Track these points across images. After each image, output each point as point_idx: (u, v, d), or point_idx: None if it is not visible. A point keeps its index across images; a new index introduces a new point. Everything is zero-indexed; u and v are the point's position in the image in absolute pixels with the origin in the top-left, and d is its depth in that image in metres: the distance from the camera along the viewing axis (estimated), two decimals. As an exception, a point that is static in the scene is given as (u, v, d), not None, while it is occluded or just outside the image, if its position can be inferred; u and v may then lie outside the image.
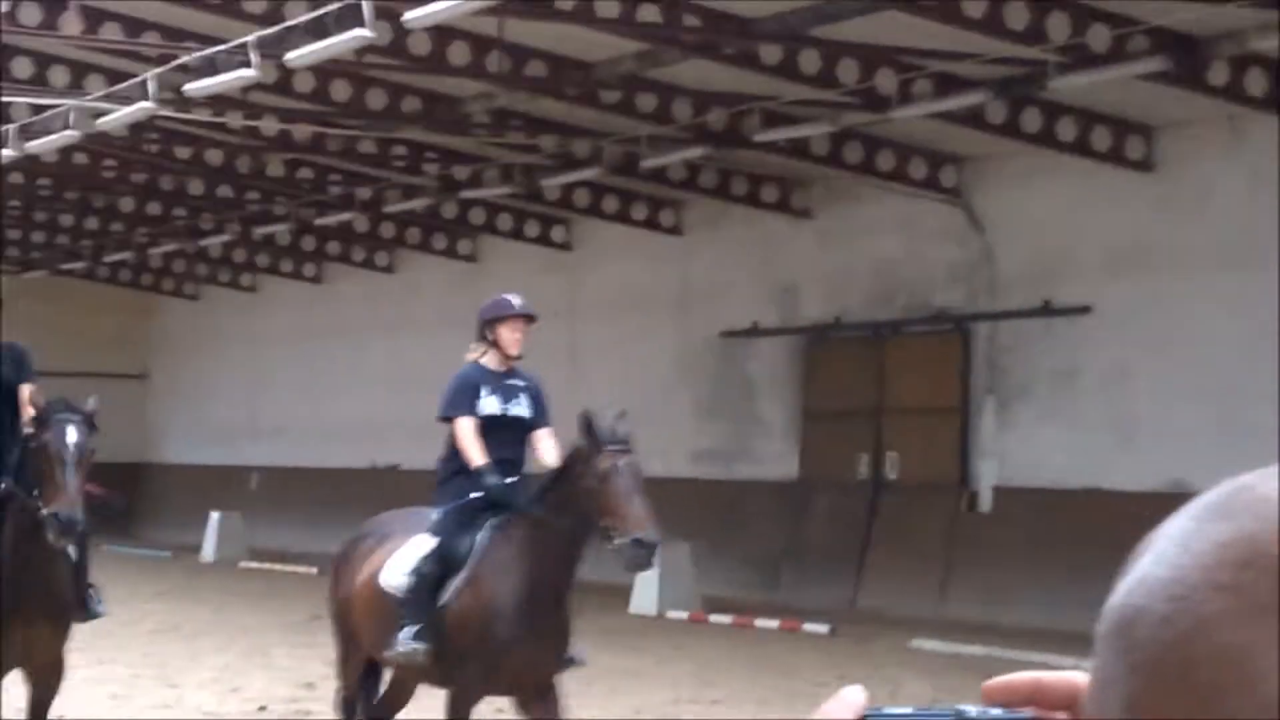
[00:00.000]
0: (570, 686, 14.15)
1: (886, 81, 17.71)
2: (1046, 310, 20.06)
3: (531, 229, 26.77)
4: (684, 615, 20.61)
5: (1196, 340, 18.26)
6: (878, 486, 22.18)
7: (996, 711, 0.94)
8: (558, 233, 26.81)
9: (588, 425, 9.22)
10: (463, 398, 9.60)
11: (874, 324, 22.27)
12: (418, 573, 9.32)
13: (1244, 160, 17.99)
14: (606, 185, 24.09)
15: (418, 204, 25.41)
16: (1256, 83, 16.49)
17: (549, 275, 26.76)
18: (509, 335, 9.69)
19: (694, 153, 20.67)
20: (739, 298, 23.82)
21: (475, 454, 9.39)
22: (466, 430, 9.50)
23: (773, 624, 19.54)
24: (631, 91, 19.53)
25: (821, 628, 19.14)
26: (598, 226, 25.59)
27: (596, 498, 9.00)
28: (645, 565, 9.32)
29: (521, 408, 9.69)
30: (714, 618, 20.26)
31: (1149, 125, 18.84)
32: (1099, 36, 15.78)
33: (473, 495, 9.39)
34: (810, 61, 17.58)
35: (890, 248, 21.79)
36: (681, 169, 22.35)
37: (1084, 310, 19.63)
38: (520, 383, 9.75)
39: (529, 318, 9.86)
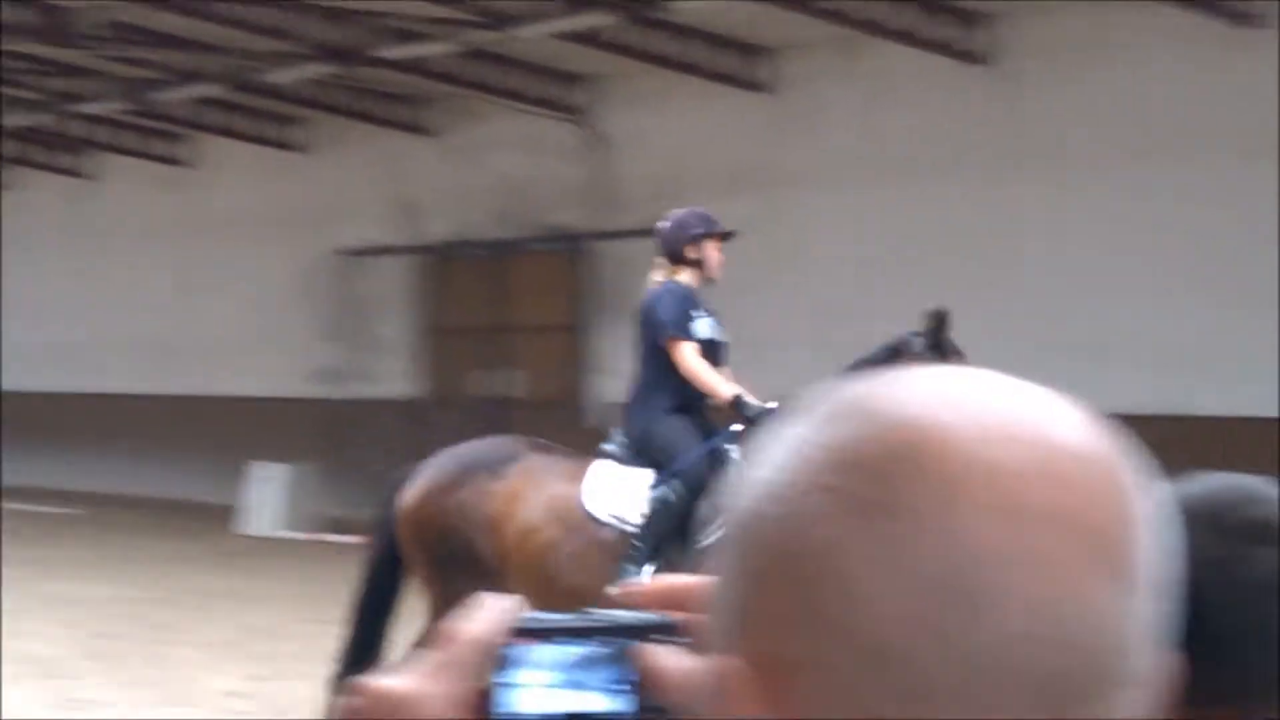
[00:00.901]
0: (182, 609, 14.11)
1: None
2: (666, 229, 20.46)
3: (151, 145, 26.08)
4: (300, 536, 20.53)
5: (814, 258, 18.89)
6: (501, 403, 22.40)
7: (631, 614, 0.98)
8: (178, 149, 26.20)
9: (939, 327, 8.89)
10: (685, 318, 8.90)
11: (497, 242, 22.43)
12: (663, 501, 8.54)
13: (858, 82, 18.65)
14: (229, 101, 23.64)
15: (32, 119, 24.57)
16: (869, 6, 17.08)
17: (169, 193, 26.20)
18: (716, 254, 9.13)
19: (318, 69, 20.45)
20: (362, 216, 23.71)
21: (718, 381, 8.80)
22: (694, 354, 8.83)
23: (393, 542, 19.57)
24: (253, 6, 19.20)
25: (442, 545, 19.22)
26: (219, 143, 25.12)
27: None
28: None
29: (721, 333, 9.28)
30: (333, 537, 20.23)
31: (767, 46, 19.35)
32: (721, -41, 16.14)
33: (731, 428, 8.66)
34: (435, -23, 17.56)
35: (514, 166, 21.95)
36: (306, 86, 22.10)
37: (702, 228, 20.09)
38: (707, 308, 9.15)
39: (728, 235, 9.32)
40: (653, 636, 0.95)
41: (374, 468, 23.08)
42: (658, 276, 9.08)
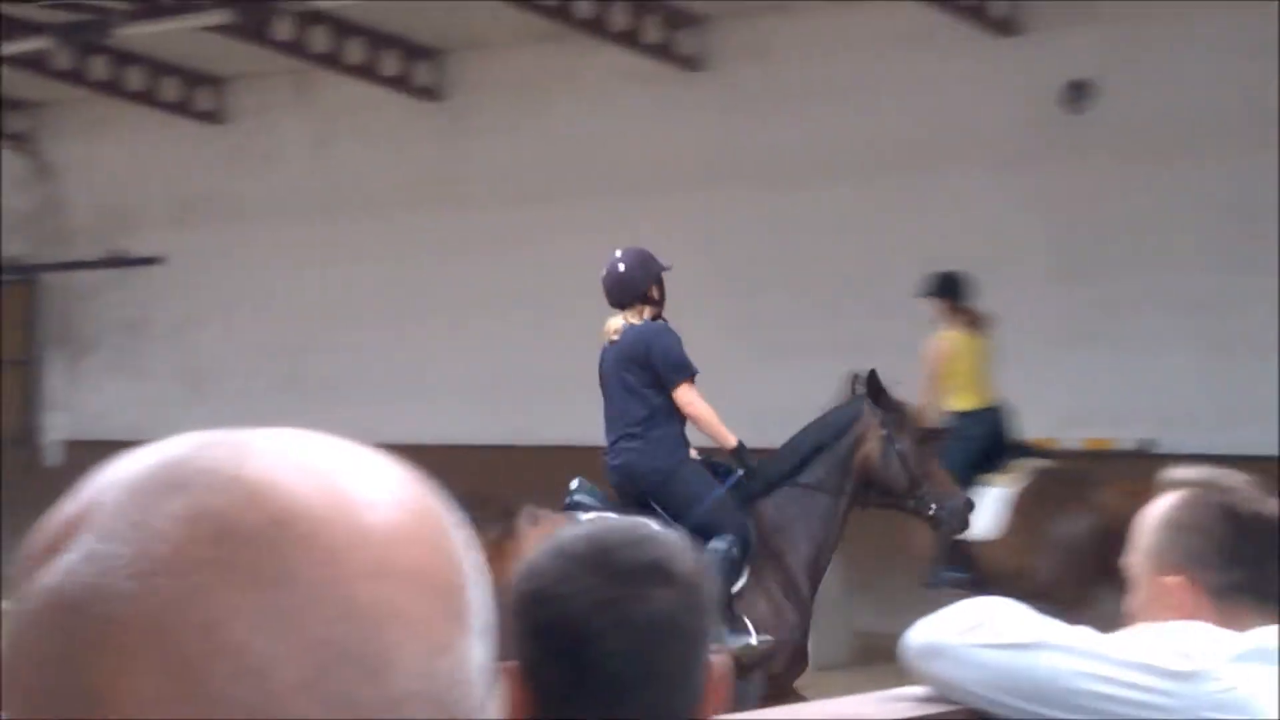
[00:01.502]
0: None
1: (-57, 21, 16.93)
2: (118, 261, 19.82)
3: None
4: None
5: (267, 292, 18.55)
6: (-58, 443, 21.25)
7: None
8: None
9: (877, 387, 8.98)
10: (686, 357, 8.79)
11: (-60, 274, 21.30)
12: (726, 557, 8.32)
13: (310, 115, 18.43)
14: None
15: None
16: (320, 39, 16.88)
17: None
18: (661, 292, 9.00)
19: None
20: None
21: (723, 428, 8.80)
22: (699, 398, 8.77)
23: None
24: None
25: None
26: None
27: (905, 464, 8.74)
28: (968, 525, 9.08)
29: None
30: None
31: (218, 76, 18.93)
32: (166, -14, 15.71)
33: (733, 476, 8.70)
34: None
35: (-47, 195, 20.89)
36: None
37: (155, 261, 19.54)
38: None
39: None
40: None
41: None
42: (628, 319, 8.75)
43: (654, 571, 1.84)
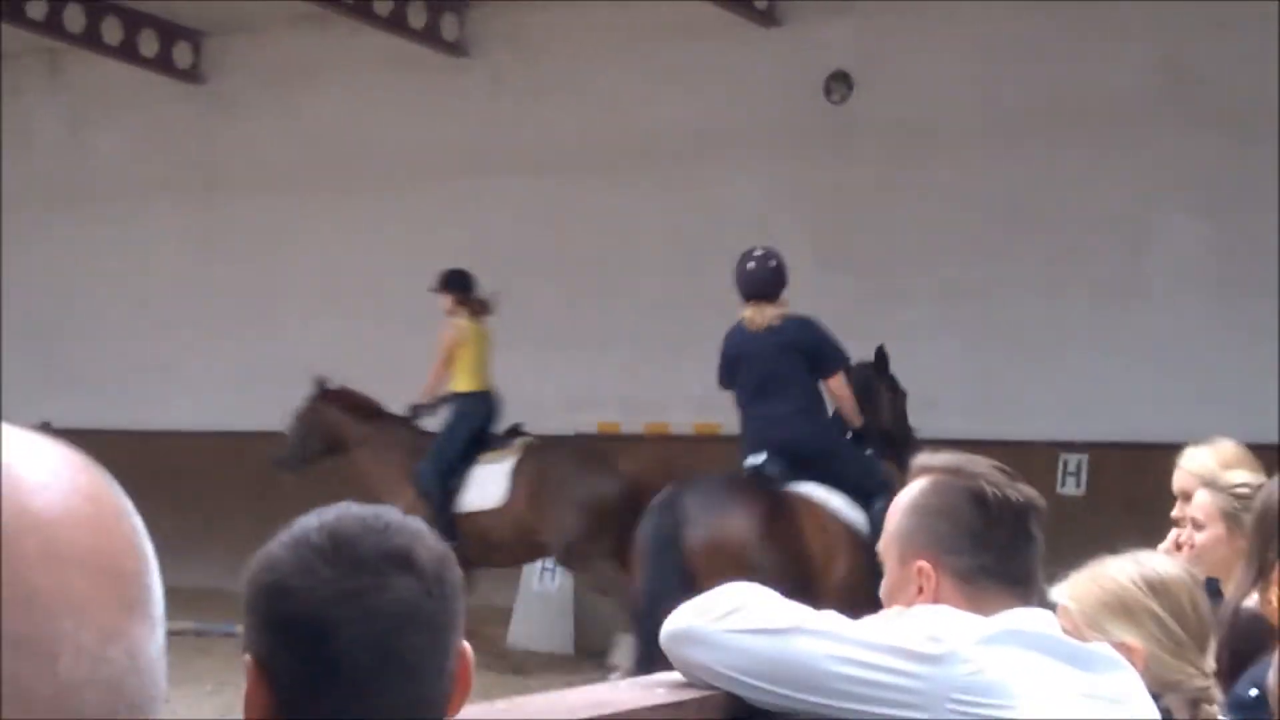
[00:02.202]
0: None
1: None
2: None
3: None
4: None
5: (13, 276, 18.01)
6: None
7: None
8: None
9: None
10: None
11: None
12: None
13: (64, 96, 17.99)
14: None
15: None
16: (75, 18, 16.46)
17: None
18: None
19: None
20: None
21: (855, 410, 9.82)
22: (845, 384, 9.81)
23: None
24: None
25: None
26: None
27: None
28: None
29: None
30: None
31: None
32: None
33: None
34: None
35: None
36: None
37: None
38: None
39: None
40: None
41: None
42: (770, 312, 9.47)
43: (395, 560, 1.80)
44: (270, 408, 13.35)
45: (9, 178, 18.12)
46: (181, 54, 17.25)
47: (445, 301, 12.38)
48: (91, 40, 16.67)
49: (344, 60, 16.45)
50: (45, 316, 17.82)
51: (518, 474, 11.71)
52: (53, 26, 16.39)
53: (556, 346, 15.14)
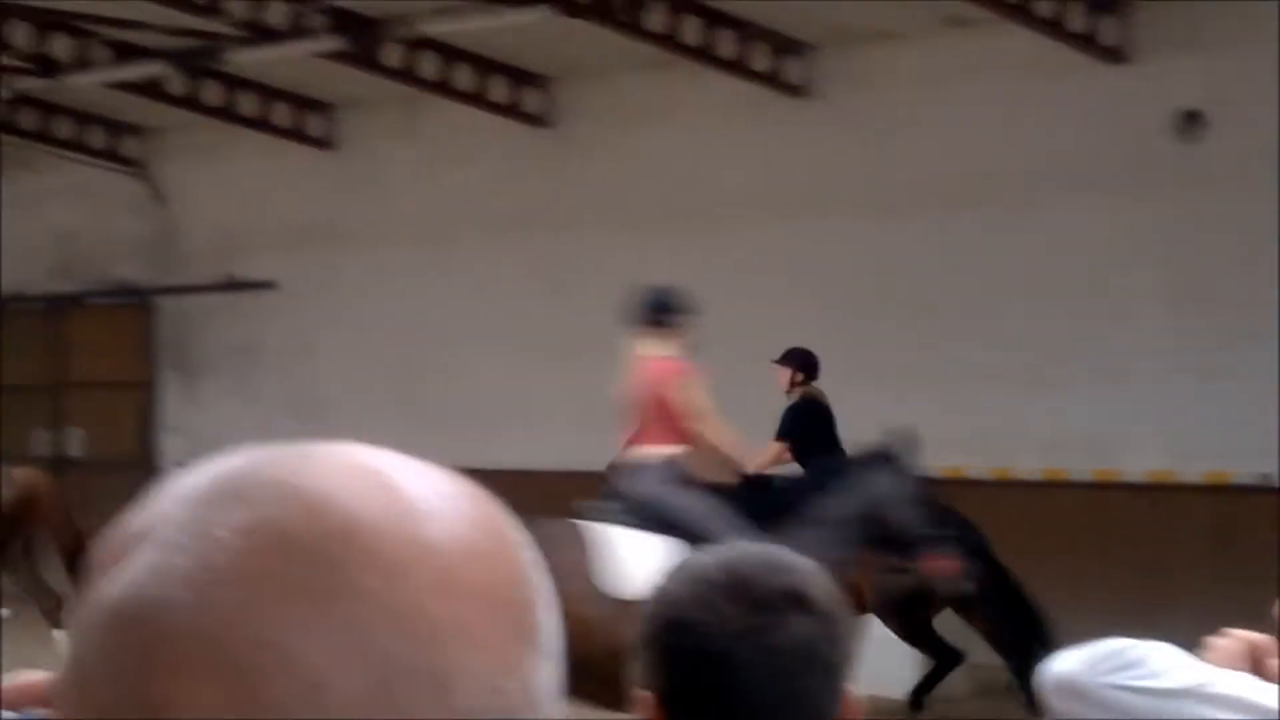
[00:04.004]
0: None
1: (61, 46, 17.21)
2: (230, 285, 20.04)
3: None
4: None
5: (378, 316, 18.67)
6: (58, 463, 21.55)
7: (10, 715, 0.91)
8: None
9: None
10: None
11: (54, 296, 21.62)
12: None
13: (419, 140, 18.54)
14: None
15: None
16: (429, 66, 16.99)
17: None
18: None
19: None
20: (-91, 268, 22.59)
21: None
22: None
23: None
24: None
25: (8, 612, 18.42)
26: None
27: None
28: None
29: None
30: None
31: (328, 103, 19.09)
32: (277, 12, 15.86)
33: None
34: (-20, 23, 16.85)
35: (70, 218, 21.19)
36: None
37: (268, 285, 19.73)
38: None
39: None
40: None
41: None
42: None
43: (793, 599, 1.82)
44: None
45: (366, 219, 18.76)
46: (530, 99, 17.64)
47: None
48: (444, 87, 17.17)
49: (688, 103, 16.62)
50: (401, 356, 18.38)
51: None
52: (408, 74, 16.93)
53: (896, 387, 15.02)
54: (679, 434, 9.95)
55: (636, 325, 10.30)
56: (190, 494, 0.85)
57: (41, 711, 0.92)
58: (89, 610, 0.84)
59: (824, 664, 1.82)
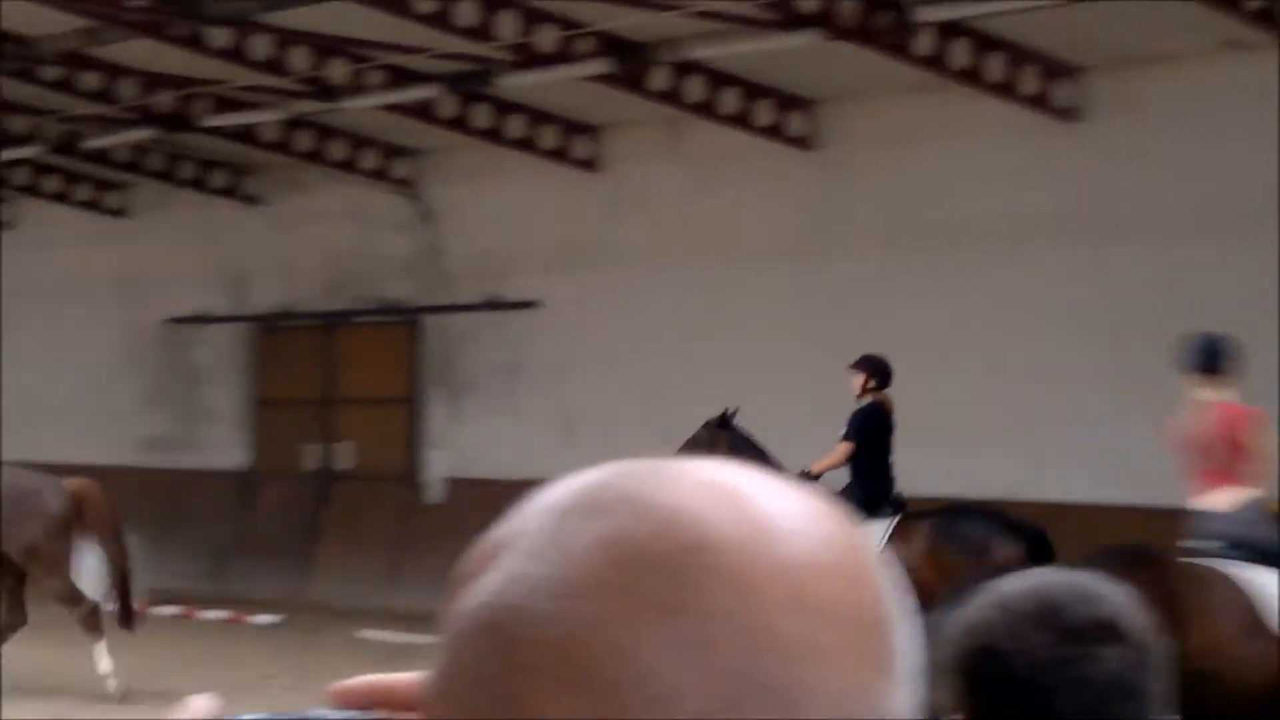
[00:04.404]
0: (5, 683, 13.78)
1: (338, 71, 17.68)
2: (495, 304, 20.37)
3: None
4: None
5: (638, 336, 18.83)
6: (327, 476, 22.09)
7: (346, 714, 0.95)
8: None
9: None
10: None
11: (325, 313, 22.17)
12: None
13: (683, 162, 18.67)
14: (47, 164, 23.22)
15: None
16: (695, 89, 17.12)
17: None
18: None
19: (140, 134, 20.15)
20: (187, 284, 23.33)
21: None
22: None
23: (221, 615, 19.25)
24: (74, 69, 18.88)
25: (270, 619, 18.95)
26: (38, 207, 24.65)
27: None
28: None
29: None
30: (159, 609, 19.79)
31: (594, 125, 19.32)
32: (547, 37, 16.12)
33: None
34: (260, 47, 17.36)
35: (342, 237, 21.72)
36: (127, 151, 21.76)
37: (531, 305, 20.02)
38: None
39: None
40: None
41: (201, 539, 22.70)
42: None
43: (1104, 628, 1.81)
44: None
45: (630, 240, 18.94)
46: (795, 122, 17.67)
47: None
48: (709, 110, 17.28)
49: (954, 126, 16.51)
50: (663, 376, 18.49)
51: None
52: (674, 97, 17.08)
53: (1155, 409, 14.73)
54: (1246, 476, 10.01)
55: (1190, 371, 10.36)
56: (550, 506, 0.87)
57: (379, 712, 0.95)
58: (455, 617, 0.87)
59: (1136, 694, 1.80)
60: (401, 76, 17.68)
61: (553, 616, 0.83)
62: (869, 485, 12.78)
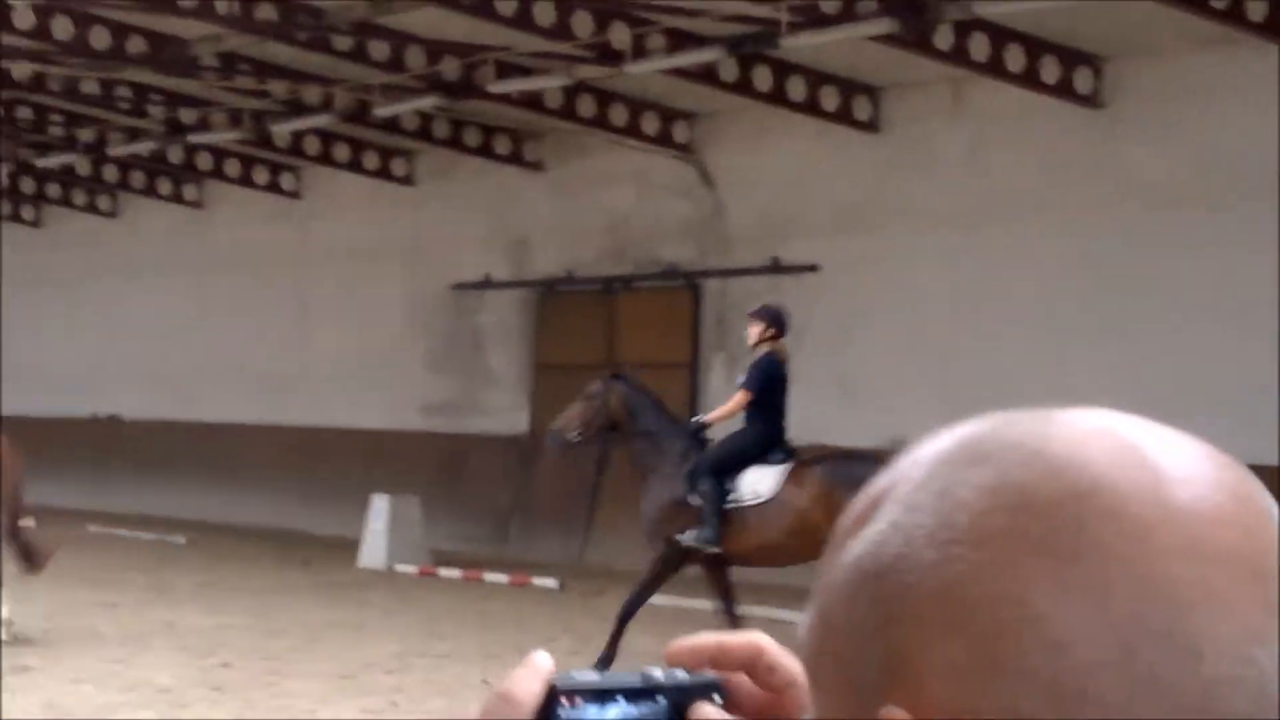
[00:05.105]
0: (295, 640, 14.16)
1: (620, 35, 17.74)
2: (775, 268, 20.30)
3: (260, 176, 26.30)
4: (413, 569, 20.48)
5: (918, 299, 18.63)
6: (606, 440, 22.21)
7: (682, 674, 0.94)
8: (287, 180, 26.38)
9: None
10: None
11: (605, 278, 22.32)
12: None
13: (966, 122, 18.38)
14: (337, 133, 23.77)
15: (142, 147, 24.79)
16: (979, 47, 16.83)
17: (277, 224, 26.34)
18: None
19: (426, 102, 20.48)
20: (470, 250, 23.70)
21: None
22: None
23: (502, 578, 19.52)
24: (363, 38, 19.26)
25: (551, 582, 19.16)
26: (328, 175, 25.25)
27: None
28: None
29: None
30: (443, 571, 20.18)
31: (875, 86, 19.13)
32: (831, -3, 15.99)
33: None
34: (545, 13, 17.52)
35: (622, 202, 21.85)
36: (414, 118, 22.14)
37: (812, 268, 19.90)
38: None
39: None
40: (701, 696, 0.93)
41: (482, 503, 23.07)
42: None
43: None
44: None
45: (910, 202, 18.72)
46: (1082, 79, 17.27)
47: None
48: (995, 68, 16.97)
49: (1248, 81, 15.97)
50: (942, 337, 18.25)
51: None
52: (958, 56, 16.81)
53: None
54: None
55: None
56: (932, 456, 0.87)
57: (711, 673, 0.94)
58: (834, 569, 0.87)
59: None
60: (683, 39, 17.67)
61: (937, 564, 0.83)
62: (763, 432, 13.05)
